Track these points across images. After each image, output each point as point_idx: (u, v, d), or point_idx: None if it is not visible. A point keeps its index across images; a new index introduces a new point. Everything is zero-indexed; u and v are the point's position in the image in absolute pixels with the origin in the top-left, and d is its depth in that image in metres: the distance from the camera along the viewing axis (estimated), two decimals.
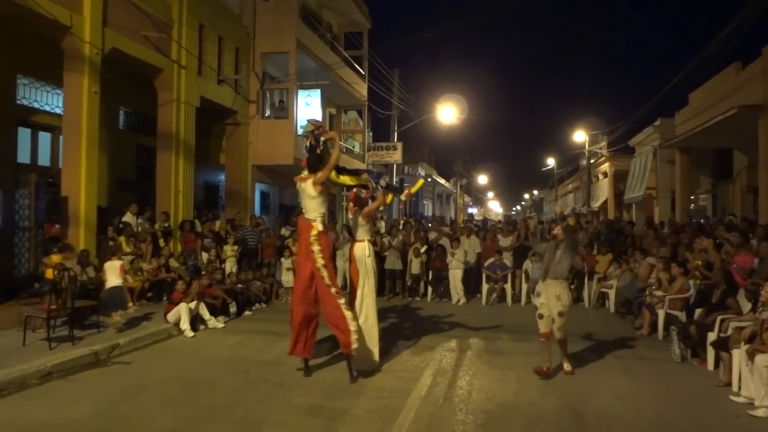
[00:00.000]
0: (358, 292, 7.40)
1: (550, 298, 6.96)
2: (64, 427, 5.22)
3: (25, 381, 6.49)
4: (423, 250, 13.40)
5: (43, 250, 10.86)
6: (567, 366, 7.11)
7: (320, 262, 6.90)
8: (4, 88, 10.86)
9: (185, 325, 9.28)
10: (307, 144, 7.39)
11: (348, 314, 6.83)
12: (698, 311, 8.47)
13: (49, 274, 8.75)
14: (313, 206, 7.07)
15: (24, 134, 11.65)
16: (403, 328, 10.05)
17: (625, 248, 13.03)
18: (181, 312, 9.33)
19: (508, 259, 13.24)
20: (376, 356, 7.28)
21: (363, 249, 7.54)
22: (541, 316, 7.03)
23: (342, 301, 6.89)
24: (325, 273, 6.91)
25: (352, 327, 6.78)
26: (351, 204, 8.02)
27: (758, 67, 13.63)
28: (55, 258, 9.38)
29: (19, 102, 11.35)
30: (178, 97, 13.73)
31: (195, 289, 9.83)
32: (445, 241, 13.62)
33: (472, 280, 13.28)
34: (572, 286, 13.00)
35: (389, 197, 8.21)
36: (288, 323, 7.31)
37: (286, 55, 17.70)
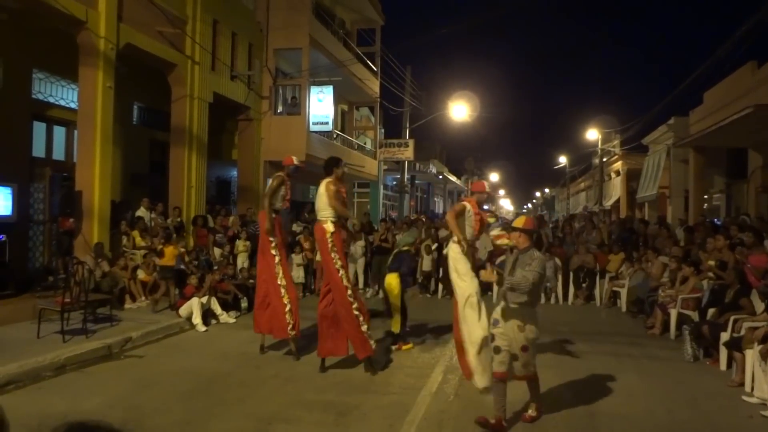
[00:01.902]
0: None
1: (510, 329, 5.19)
2: (70, 418, 5.26)
3: (39, 373, 6.55)
4: (434, 247, 13.39)
5: (57, 244, 10.96)
6: (532, 411, 5.47)
7: (338, 263, 7.00)
8: (20, 83, 10.95)
9: (197, 319, 9.35)
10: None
11: (360, 317, 6.92)
12: (711, 311, 8.42)
13: (170, 260, 10.48)
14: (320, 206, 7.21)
15: (39, 128, 11.73)
16: (413, 324, 10.04)
17: (637, 247, 12.98)
18: (193, 307, 9.39)
19: None
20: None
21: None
22: (497, 350, 5.24)
23: (356, 305, 6.93)
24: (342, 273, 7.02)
25: (364, 328, 6.88)
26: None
27: None
28: (169, 249, 10.41)
29: (34, 96, 11.44)
30: (191, 93, 13.79)
31: (207, 284, 9.89)
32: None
33: None
34: (584, 285, 13.05)
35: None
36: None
37: (299, 51, 17.71)
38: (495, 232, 7.24)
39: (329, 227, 7.01)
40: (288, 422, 5.36)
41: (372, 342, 7.00)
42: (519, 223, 5.48)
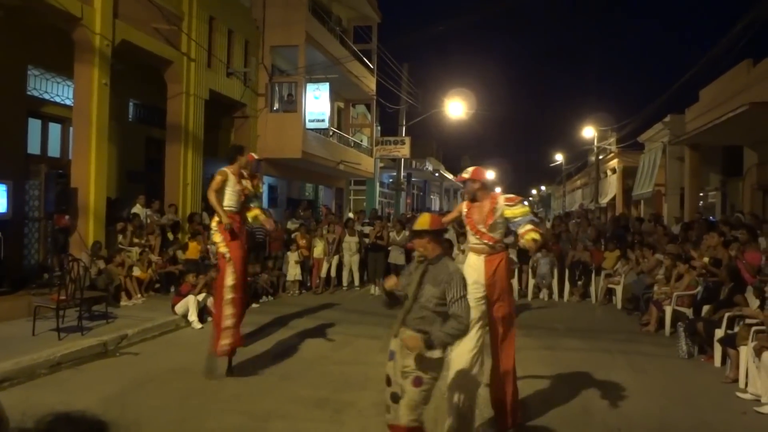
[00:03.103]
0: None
1: (409, 356, 3.79)
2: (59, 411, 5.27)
3: (34, 370, 6.54)
4: None
5: (53, 241, 10.93)
6: None
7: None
8: (15, 79, 10.91)
9: (193, 316, 9.35)
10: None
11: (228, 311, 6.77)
12: (706, 308, 8.46)
13: (194, 253, 11.07)
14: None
15: (34, 125, 11.69)
16: None
17: (632, 244, 13.02)
18: (189, 304, 9.39)
19: (513, 254, 13.22)
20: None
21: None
22: (395, 398, 3.85)
23: (230, 296, 6.77)
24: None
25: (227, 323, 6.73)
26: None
27: None
28: (193, 244, 10.84)
29: (29, 93, 11.39)
30: (187, 90, 13.76)
31: (203, 282, 9.88)
32: (451, 236, 13.60)
33: None
34: (579, 282, 13.08)
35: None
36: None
37: (296, 48, 17.68)
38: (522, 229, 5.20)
39: (214, 221, 6.89)
40: (284, 419, 5.37)
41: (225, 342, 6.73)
42: (423, 223, 3.97)
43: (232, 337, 6.69)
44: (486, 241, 5.11)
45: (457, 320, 3.67)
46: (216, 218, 6.88)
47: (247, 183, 7.17)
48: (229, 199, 6.97)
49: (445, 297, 3.73)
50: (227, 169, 7.01)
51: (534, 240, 5.13)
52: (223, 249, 6.75)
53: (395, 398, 3.84)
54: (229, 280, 6.75)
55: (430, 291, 3.78)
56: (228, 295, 6.75)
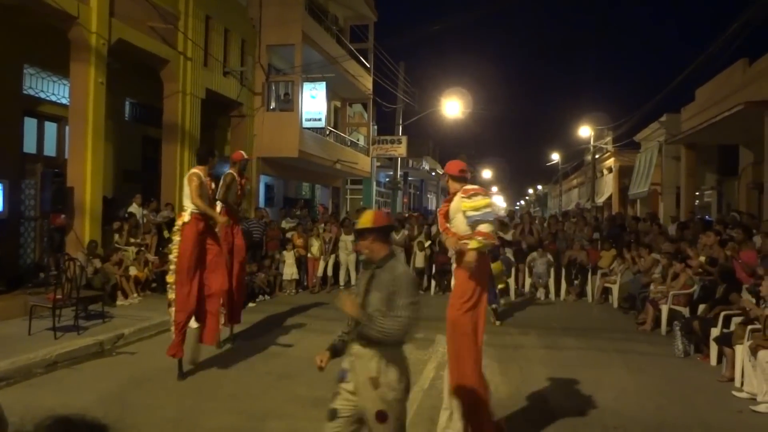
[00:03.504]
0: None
1: (362, 384, 3.34)
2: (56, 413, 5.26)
3: (30, 370, 6.53)
4: (427, 244, 13.42)
5: (49, 241, 10.91)
6: None
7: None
8: (11, 78, 10.88)
9: None
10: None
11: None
12: (702, 307, 8.48)
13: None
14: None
15: (30, 124, 11.66)
16: None
17: (628, 244, 13.05)
18: None
19: (510, 253, 13.25)
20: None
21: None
22: (332, 415, 3.51)
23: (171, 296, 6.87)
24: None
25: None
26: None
27: (765, 64, 13.59)
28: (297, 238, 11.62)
29: (25, 92, 11.36)
30: (183, 89, 13.74)
31: None
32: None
33: None
34: (576, 281, 13.10)
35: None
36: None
37: (292, 47, 17.67)
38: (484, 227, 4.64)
39: (184, 218, 6.90)
40: (281, 418, 5.37)
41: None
42: (365, 221, 3.48)
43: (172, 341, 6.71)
44: (450, 237, 4.87)
45: (395, 320, 3.19)
46: (183, 218, 6.87)
47: (212, 182, 7.27)
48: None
49: (391, 304, 3.23)
50: (198, 171, 7.01)
51: (474, 253, 4.53)
52: (174, 254, 6.77)
53: (332, 416, 3.47)
54: (169, 277, 6.87)
55: (376, 298, 3.29)
56: (169, 295, 6.86)
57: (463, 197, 4.75)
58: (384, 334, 3.19)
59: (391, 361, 3.29)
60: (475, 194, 4.76)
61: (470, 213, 4.71)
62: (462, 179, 5.00)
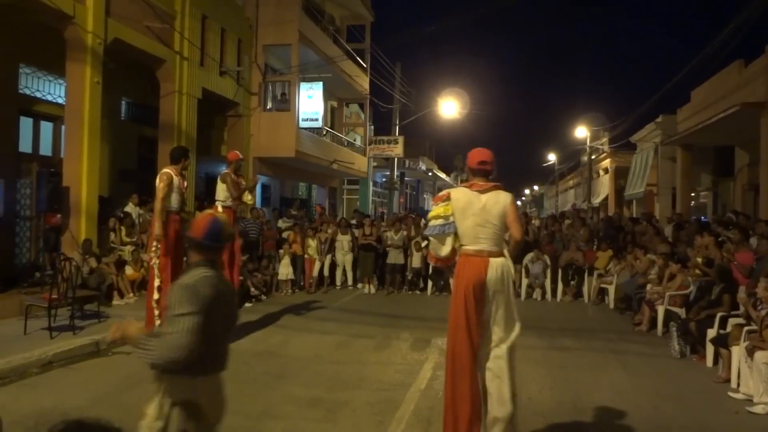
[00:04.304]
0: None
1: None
2: (65, 415, 5.24)
3: (26, 369, 6.50)
4: (424, 244, 13.41)
5: (44, 240, 10.88)
6: None
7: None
8: (7, 78, 10.84)
9: None
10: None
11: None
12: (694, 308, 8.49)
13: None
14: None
15: (26, 124, 11.62)
16: (403, 321, 10.07)
17: (624, 244, 13.07)
18: None
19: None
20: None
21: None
22: None
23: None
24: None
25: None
26: None
27: (761, 65, 13.60)
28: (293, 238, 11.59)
29: (21, 91, 11.32)
30: (180, 89, 13.72)
31: None
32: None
33: None
34: (572, 282, 13.10)
35: None
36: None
37: (289, 47, 17.68)
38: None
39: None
40: (277, 419, 5.36)
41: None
42: (195, 228, 2.92)
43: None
44: None
45: (160, 340, 2.70)
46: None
47: (182, 181, 7.42)
48: (175, 201, 7.12)
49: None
50: (170, 171, 7.04)
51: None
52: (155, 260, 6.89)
53: None
54: (155, 282, 7.13)
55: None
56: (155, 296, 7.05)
57: (434, 204, 4.37)
58: (150, 356, 2.73)
59: (175, 389, 2.89)
60: (436, 201, 4.36)
61: (431, 223, 4.29)
62: (483, 173, 4.36)
